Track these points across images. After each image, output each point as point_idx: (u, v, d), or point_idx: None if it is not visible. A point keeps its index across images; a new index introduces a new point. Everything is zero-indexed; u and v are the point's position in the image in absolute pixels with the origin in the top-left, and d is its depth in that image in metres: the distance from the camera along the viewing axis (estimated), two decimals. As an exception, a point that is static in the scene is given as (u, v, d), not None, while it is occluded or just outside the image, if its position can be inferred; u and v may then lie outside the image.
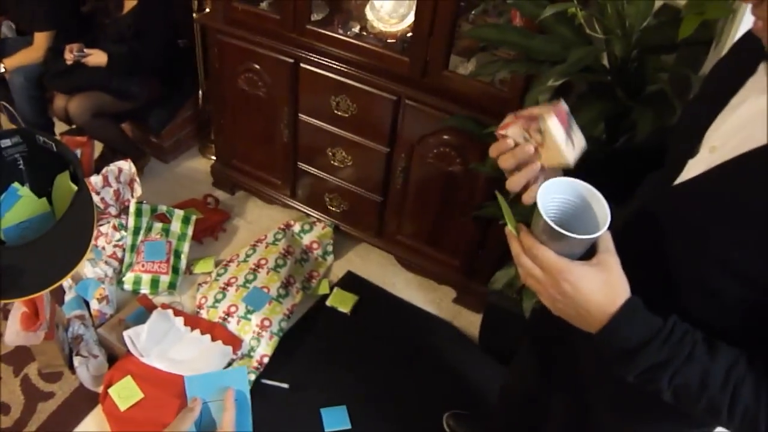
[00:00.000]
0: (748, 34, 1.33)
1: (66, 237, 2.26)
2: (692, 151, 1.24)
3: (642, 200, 1.39)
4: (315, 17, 3.18)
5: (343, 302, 3.34)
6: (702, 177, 1.19)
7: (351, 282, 3.49)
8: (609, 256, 1.12)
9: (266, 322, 3.08)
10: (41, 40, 3.84)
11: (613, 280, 1.12)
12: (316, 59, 3.07)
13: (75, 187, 2.30)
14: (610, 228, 1.11)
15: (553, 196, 1.17)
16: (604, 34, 2.26)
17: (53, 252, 2.32)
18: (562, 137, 1.24)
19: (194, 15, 3.76)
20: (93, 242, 2.25)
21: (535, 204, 1.12)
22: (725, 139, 1.17)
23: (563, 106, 1.28)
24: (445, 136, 2.90)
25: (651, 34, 2.31)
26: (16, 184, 3.04)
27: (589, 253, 1.14)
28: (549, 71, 2.17)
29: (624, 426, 1.52)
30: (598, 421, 1.59)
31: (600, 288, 1.11)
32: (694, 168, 1.22)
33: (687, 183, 1.22)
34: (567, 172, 1.29)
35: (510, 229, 1.19)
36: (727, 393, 1.09)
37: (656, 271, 1.27)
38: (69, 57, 3.55)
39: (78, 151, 3.72)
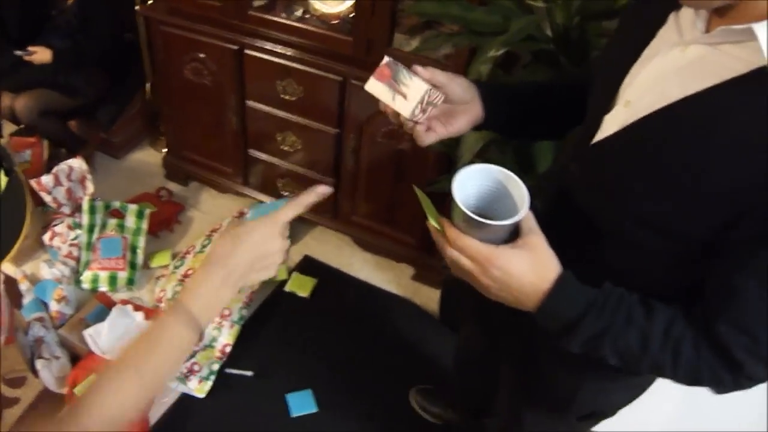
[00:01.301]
0: None
1: None
2: (608, 105, 1.25)
3: (564, 160, 1.40)
4: (257, 3, 3.17)
5: (301, 287, 3.34)
6: (618, 135, 1.20)
7: (309, 266, 3.49)
8: (533, 236, 1.14)
9: (226, 311, 3.06)
10: None
11: (542, 258, 1.13)
12: (260, 45, 3.07)
13: (6, 179, 2.29)
14: (532, 203, 1.12)
15: (470, 183, 1.18)
16: (545, 2, 2.28)
17: None
18: (387, 96, 1.29)
19: (137, 7, 3.72)
20: (25, 236, 2.25)
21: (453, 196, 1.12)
22: (639, 94, 1.18)
23: (384, 61, 1.29)
24: (393, 114, 2.89)
25: (591, 1, 2.33)
26: None
27: (514, 235, 1.15)
28: (491, 42, 2.17)
29: (575, 381, 1.55)
30: (548, 377, 1.61)
31: (529, 268, 1.12)
32: (610, 124, 1.23)
33: (604, 141, 1.23)
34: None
35: (432, 222, 1.19)
36: (668, 351, 1.11)
37: (582, 235, 1.29)
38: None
39: (27, 152, 3.69)
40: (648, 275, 1.21)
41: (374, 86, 1.29)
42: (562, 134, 1.64)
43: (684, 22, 1.16)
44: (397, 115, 1.31)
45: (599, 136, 1.25)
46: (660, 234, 1.15)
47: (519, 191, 1.14)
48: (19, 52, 3.58)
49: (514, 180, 1.16)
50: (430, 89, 1.29)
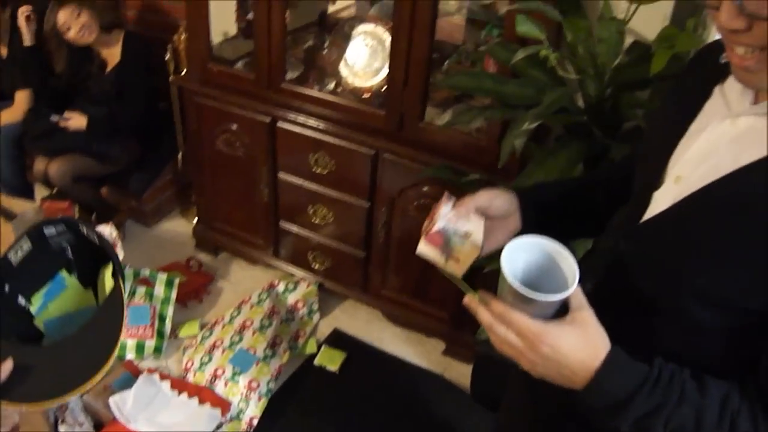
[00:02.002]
0: (701, 54, 1.33)
1: (87, 344, 2.22)
2: (657, 182, 1.23)
3: (613, 238, 1.37)
4: (290, 75, 3.20)
5: (331, 360, 3.29)
6: (670, 211, 1.17)
7: (338, 339, 3.45)
8: (584, 311, 1.10)
9: (254, 384, 3.03)
10: (21, 99, 3.87)
11: (592, 335, 1.10)
12: (292, 117, 3.08)
13: (112, 283, 2.27)
14: (580, 281, 1.09)
15: (518, 256, 1.15)
16: (577, 74, 2.28)
17: (70, 357, 2.27)
18: (439, 259, 1.29)
19: (171, 77, 3.77)
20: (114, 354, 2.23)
21: (499, 266, 1.10)
22: (690, 169, 1.16)
23: (436, 228, 1.30)
24: (425, 188, 2.89)
25: (623, 72, 2.33)
26: (63, 273, 3.00)
27: (562, 309, 1.11)
28: (524, 115, 2.16)
29: None
30: None
31: (580, 345, 1.09)
32: (661, 200, 1.21)
33: (656, 218, 1.21)
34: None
35: (472, 297, 1.16)
36: (725, 427, 1.07)
37: (634, 312, 1.25)
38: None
39: (59, 216, 3.71)
40: (701, 351, 1.17)
41: (426, 250, 1.29)
42: (599, 232, 1.62)
43: (731, 94, 1.15)
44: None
45: (650, 213, 1.23)
46: (717, 309, 1.11)
47: (568, 265, 1.12)
48: (55, 118, 3.63)
49: (564, 253, 1.13)
50: (481, 250, 1.30)
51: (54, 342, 2.42)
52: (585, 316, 1.10)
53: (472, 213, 1.34)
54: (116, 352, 2.08)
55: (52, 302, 2.99)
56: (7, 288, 2.69)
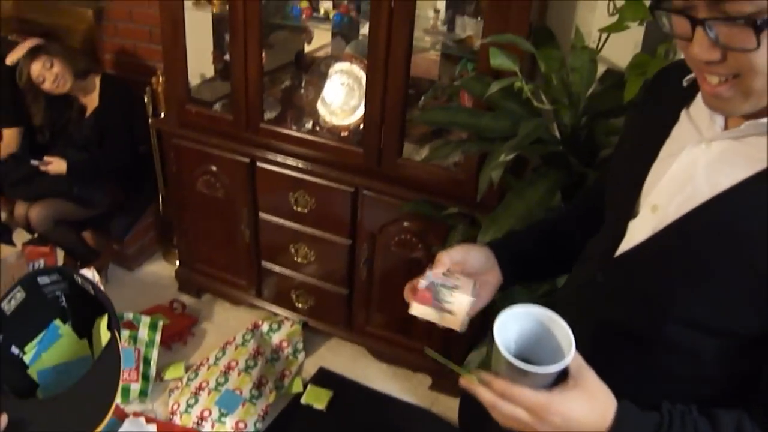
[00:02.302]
0: (660, 77, 1.34)
1: (84, 399, 2.19)
2: (631, 211, 1.24)
3: (589, 271, 1.37)
4: (268, 116, 3.22)
5: (317, 399, 3.27)
6: (649, 242, 1.18)
7: (324, 378, 3.43)
8: (585, 373, 1.09)
9: (241, 425, 3.02)
10: (10, 136, 3.88)
11: (598, 396, 1.08)
12: (271, 157, 3.09)
13: (108, 335, 2.26)
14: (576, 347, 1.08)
15: (511, 327, 1.13)
16: (552, 104, 2.30)
17: (67, 412, 2.25)
18: (434, 316, 1.28)
19: (150, 120, 3.78)
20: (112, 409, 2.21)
21: (493, 340, 1.08)
22: (666, 197, 1.17)
23: (422, 284, 1.30)
24: (405, 223, 2.91)
25: (597, 100, 2.36)
26: (57, 322, 2.98)
27: (561, 372, 1.09)
28: (500, 147, 2.18)
29: None
30: None
31: (589, 409, 1.07)
32: (638, 231, 1.21)
33: (635, 249, 1.21)
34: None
35: (469, 378, 1.13)
36: None
37: (624, 345, 1.25)
38: None
39: (41, 261, 3.69)
40: (700, 375, 1.18)
41: (419, 309, 1.28)
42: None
43: (699, 119, 1.16)
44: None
45: (626, 245, 1.23)
46: (709, 333, 1.12)
47: (561, 330, 1.10)
48: (35, 162, 3.63)
49: (556, 319, 1.11)
50: (473, 300, 1.29)
51: (50, 396, 2.39)
52: (587, 377, 1.08)
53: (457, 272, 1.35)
54: (113, 407, 2.07)
55: (47, 352, 2.96)
56: (0, 337, 2.68)
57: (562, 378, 1.09)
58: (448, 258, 1.35)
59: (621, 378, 1.11)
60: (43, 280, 2.88)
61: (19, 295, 2.59)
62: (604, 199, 1.41)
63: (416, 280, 1.33)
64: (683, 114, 1.20)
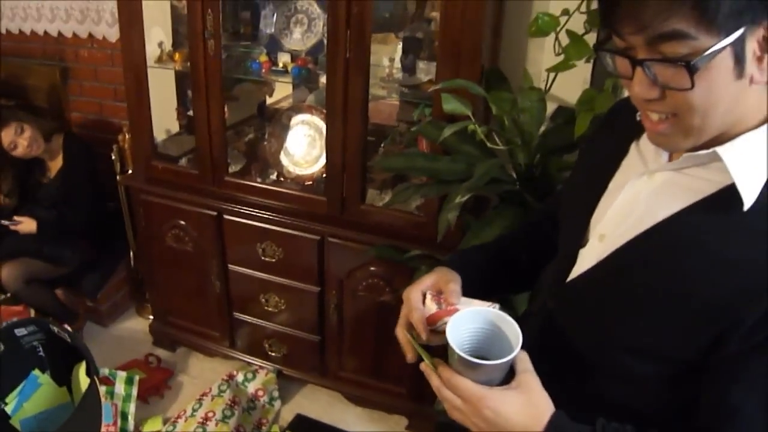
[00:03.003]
0: (615, 110, 1.39)
1: None
2: (582, 240, 1.28)
3: (541, 299, 1.42)
4: (233, 168, 3.26)
5: (296, 446, 3.30)
6: (594, 269, 1.22)
7: (301, 425, 3.44)
8: (527, 376, 1.14)
9: (219, 479, 3.01)
10: None
11: (535, 399, 1.13)
12: (238, 209, 3.13)
13: (87, 381, 2.28)
14: (523, 347, 1.13)
15: (464, 326, 1.20)
16: (506, 145, 2.35)
17: None
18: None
19: (117, 177, 3.80)
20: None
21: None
22: (612, 226, 1.21)
23: (433, 307, 1.35)
24: (372, 268, 2.94)
25: (549, 137, 2.41)
26: (36, 372, 3.00)
27: (510, 375, 1.15)
28: (457, 189, 2.22)
29: None
30: None
31: (522, 409, 1.11)
32: (586, 259, 1.26)
33: (581, 276, 1.26)
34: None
35: (426, 364, 1.21)
36: None
37: (572, 368, 1.29)
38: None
39: (14, 320, 3.70)
40: (639, 401, 1.21)
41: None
42: (530, 288, 1.68)
43: (646, 151, 1.21)
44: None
45: (576, 271, 1.28)
46: (648, 360, 1.15)
47: (513, 331, 1.16)
48: (5, 222, 3.65)
49: (507, 320, 1.18)
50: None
51: None
52: (529, 379, 1.13)
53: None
54: None
55: (28, 402, 2.99)
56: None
57: (510, 378, 1.15)
58: (424, 289, 1.39)
59: (563, 399, 1.15)
60: (20, 331, 2.90)
61: (-2, 347, 2.62)
62: (556, 225, 1.47)
63: (415, 317, 1.36)
64: (633, 147, 1.25)
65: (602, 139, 1.39)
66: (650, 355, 1.15)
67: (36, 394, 3.17)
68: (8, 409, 3.01)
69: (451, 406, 1.17)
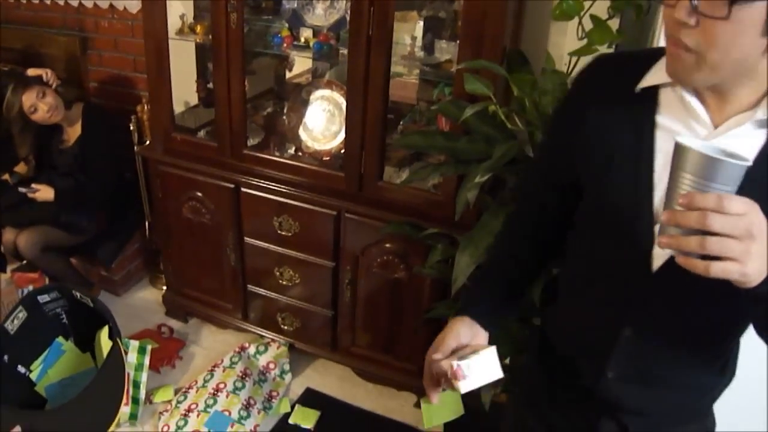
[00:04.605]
0: (592, 77, 1.39)
1: (93, 404, 2.24)
2: (649, 223, 1.26)
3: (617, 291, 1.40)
4: (251, 142, 3.27)
5: (305, 419, 3.32)
6: None
7: (311, 398, 3.47)
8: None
9: (229, 445, 3.04)
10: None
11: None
12: (255, 182, 3.15)
13: (110, 344, 2.31)
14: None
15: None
16: (526, 126, 2.34)
17: (77, 419, 2.28)
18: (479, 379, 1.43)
19: (135, 147, 3.82)
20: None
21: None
22: None
23: (454, 366, 1.42)
24: (387, 245, 2.96)
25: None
26: (60, 339, 3.03)
27: None
28: (476, 169, 2.24)
29: None
30: None
31: None
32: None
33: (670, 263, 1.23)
34: None
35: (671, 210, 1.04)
36: None
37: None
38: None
39: (30, 287, 3.73)
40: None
41: (466, 384, 1.42)
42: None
43: (678, 124, 1.22)
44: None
45: (659, 261, 1.26)
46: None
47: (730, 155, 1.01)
48: (23, 189, 3.67)
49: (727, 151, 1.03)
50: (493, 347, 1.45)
51: (59, 405, 2.43)
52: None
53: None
54: (121, 409, 2.11)
55: (52, 368, 3.02)
56: (6, 358, 2.73)
57: None
58: (455, 342, 1.48)
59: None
60: (43, 298, 2.93)
61: (21, 314, 2.66)
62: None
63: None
64: (658, 119, 1.24)
65: (597, 114, 1.32)
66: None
67: (60, 361, 3.20)
68: (33, 376, 3.05)
69: (733, 239, 0.97)
